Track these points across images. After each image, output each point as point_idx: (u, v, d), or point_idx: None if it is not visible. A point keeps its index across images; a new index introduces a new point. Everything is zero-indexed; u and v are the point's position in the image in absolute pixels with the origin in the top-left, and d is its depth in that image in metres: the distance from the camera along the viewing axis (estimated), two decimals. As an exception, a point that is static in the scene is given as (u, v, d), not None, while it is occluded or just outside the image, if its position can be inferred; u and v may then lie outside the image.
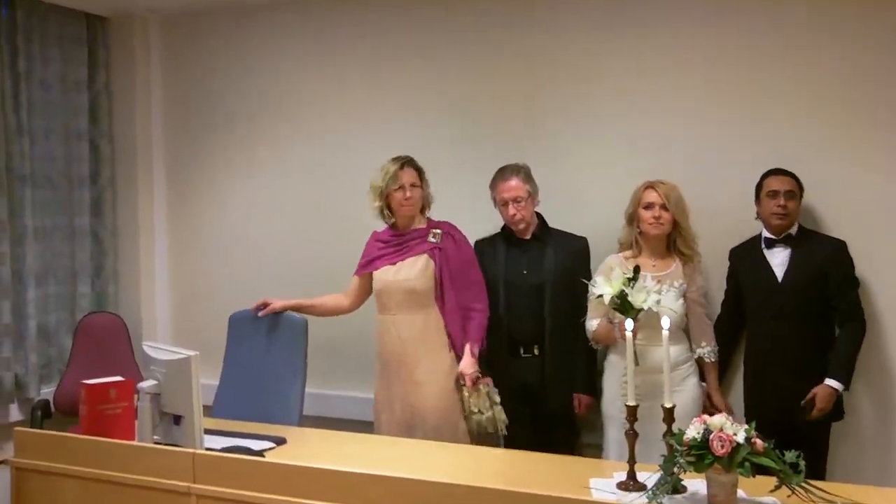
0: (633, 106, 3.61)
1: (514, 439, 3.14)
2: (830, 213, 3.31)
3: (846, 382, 3.08)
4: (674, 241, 3.20)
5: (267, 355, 3.34)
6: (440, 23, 3.90)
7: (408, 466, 2.44)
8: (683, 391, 3.07)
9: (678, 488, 2.17)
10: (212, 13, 4.32)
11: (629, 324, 2.45)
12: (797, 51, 3.36)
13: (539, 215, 3.44)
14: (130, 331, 4.10)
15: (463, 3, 3.85)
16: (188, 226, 4.47)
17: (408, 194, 3.22)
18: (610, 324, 3.12)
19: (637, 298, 2.84)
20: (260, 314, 3.34)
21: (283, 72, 4.22)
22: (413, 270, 3.21)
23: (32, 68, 3.99)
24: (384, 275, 3.25)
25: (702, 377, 3.25)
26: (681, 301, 3.14)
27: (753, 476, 2.03)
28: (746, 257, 3.28)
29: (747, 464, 2.02)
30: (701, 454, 2.06)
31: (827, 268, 3.13)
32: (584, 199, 3.62)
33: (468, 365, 3.13)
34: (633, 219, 3.22)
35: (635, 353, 2.49)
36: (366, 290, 3.37)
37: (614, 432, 3.10)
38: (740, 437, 2.04)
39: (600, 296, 2.90)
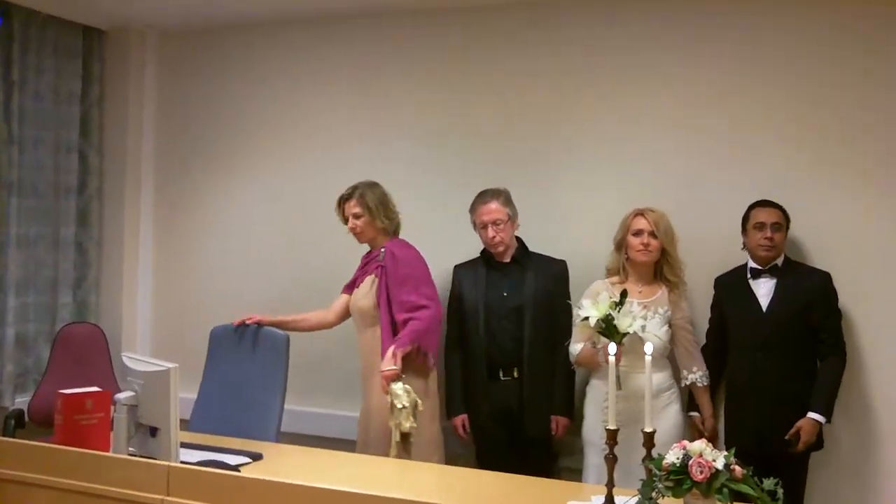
0: (618, 132, 3.64)
1: (491, 462, 3.12)
2: (815, 245, 3.33)
3: (828, 415, 3.09)
4: (660, 269, 3.22)
5: (247, 371, 3.32)
6: (427, 47, 3.94)
7: (385, 485, 2.42)
8: (665, 418, 3.06)
9: (656, 513, 2.16)
10: (209, 30, 4.35)
11: (612, 348, 2.44)
12: (786, 82, 3.40)
13: (519, 239, 3.48)
14: (110, 342, 4.06)
15: (451, 27, 3.90)
16: (174, 239, 4.46)
17: (349, 225, 3.38)
18: (594, 348, 3.11)
19: (623, 323, 2.86)
20: (235, 323, 3.36)
21: (277, 90, 4.24)
22: (362, 290, 3.37)
23: (26, 78, 3.99)
24: (353, 295, 3.43)
25: (692, 405, 3.26)
26: (665, 328, 3.15)
27: (731, 503, 2.02)
28: (731, 286, 3.29)
29: (725, 490, 2.02)
30: (679, 479, 2.05)
31: (811, 299, 3.14)
32: (565, 225, 3.65)
33: (384, 363, 3.10)
34: (621, 245, 3.24)
35: (618, 377, 2.48)
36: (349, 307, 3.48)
37: (594, 458, 3.09)
38: (719, 464, 2.04)
39: (586, 318, 2.91)
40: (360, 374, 3.40)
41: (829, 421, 3.10)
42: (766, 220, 3.17)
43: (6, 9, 3.87)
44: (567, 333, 3.21)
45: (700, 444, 2.07)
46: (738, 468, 2.05)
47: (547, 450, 3.40)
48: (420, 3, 3.85)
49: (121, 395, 2.63)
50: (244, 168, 4.31)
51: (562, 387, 3.36)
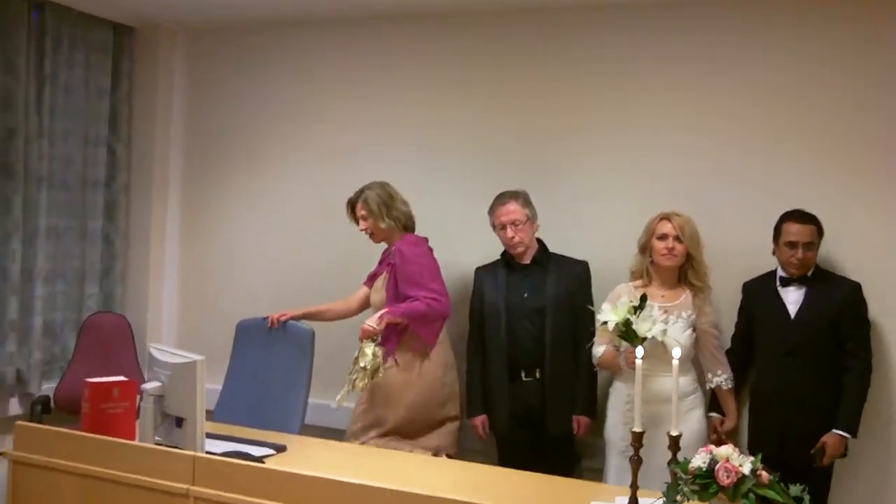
0: (642, 139, 3.63)
1: (513, 463, 3.11)
2: (845, 255, 3.29)
3: (853, 431, 3.07)
4: (685, 273, 3.20)
5: (273, 363, 3.35)
6: (453, 51, 3.95)
7: (406, 479, 2.42)
8: (688, 422, 3.03)
9: (681, 516, 2.15)
10: (237, 28, 4.38)
11: (639, 351, 2.43)
12: (813, 91, 3.38)
13: (540, 241, 3.47)
14: (135, 332, 4.11)
15: (472, 34, 3.91)
16: (199, 233, 4.50)
17: (360, 227, 3.45)
18: (615, 351, 3.11)
19: (642, 327, 2.85)
20: (269, 325, 3.42)
21: (303, 87, 4.27)
22: (377, 286, 3.45)
23: (57, 73, 4.04)
24: (372, 289, 3.51)
25: (717, 407, 3.24)
26: (689, 332, 3.13)
27: (757, 508, 2.01)
28: (760, 292, 3.26)
29: (752, 495, 2.00)
30: (706, 483, 2.04)
31: (840, 308, 3.11)
32: (586, 227, 3.65)
33: (368, 319, 3.21)
34: (645, 248, 3.22)
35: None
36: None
37: (615, 459, 3.09)
38: (746, 469, 2.02)
39: (605, 322, 2.90)
40: None
41: (854, 436, 3.08)
42: (798, 240, 3.11)
43: (40, 5, 3.93)
44: (589, 334, 3.20)
45: (727, 449, 2.06)
46: (764, 473, 2.03)
47: (569, 450, 3.39)
48: (448, 5, 3.85)
49: (148, 385, 2.65)
50: (269, 163, 4.34)
51: (584, 387, 3.35)
